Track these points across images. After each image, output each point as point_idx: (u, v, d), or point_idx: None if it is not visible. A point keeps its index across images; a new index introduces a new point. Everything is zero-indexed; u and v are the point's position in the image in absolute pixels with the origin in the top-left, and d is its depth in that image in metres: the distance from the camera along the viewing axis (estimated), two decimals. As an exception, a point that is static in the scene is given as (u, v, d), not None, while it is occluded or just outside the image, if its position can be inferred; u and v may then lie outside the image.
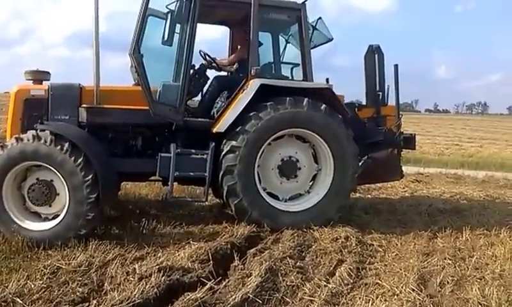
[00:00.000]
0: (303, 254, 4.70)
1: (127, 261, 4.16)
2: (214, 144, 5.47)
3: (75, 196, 4.65)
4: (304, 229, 5.42)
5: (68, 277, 3.73)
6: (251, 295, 3.53)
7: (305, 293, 3.73)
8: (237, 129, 5.44)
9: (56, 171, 4.69)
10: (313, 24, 6.41)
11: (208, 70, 6.20)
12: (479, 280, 4.17)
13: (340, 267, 4.33)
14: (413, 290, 3.78)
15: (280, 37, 6.56)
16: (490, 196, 8.95)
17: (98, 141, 5.21)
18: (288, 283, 3.88)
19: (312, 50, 6.01)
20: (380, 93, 6.61)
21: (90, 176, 4.63)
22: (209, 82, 6.16)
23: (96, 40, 5.18)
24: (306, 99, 5.54)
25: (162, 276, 3.67)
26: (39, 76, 5.62)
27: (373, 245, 5.20)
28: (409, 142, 6.61)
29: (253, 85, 5.49)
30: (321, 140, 5.67)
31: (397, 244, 5.33)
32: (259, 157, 5.55)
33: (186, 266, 4.03)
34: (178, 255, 4.34)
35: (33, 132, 4.73)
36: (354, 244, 4.99)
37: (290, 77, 6.27)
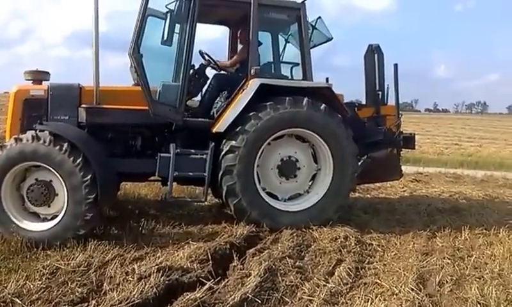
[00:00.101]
0: (302, 254, 4.71)
1: (126, 261, 4.16)
2: (213, 144, 5.46)
3: (74, 197, 4.65)
4: (304, 229, 5.42)
5: (67, 278, 3.73)
6: (250, 295, 3.53)
7: (304, 292, 3.74)
8: (237, 129, 5.44)
9: (54, 172, 4.69)
10: (313, 24, 6.41)
11: (207, 70, 6.20)
12: (477, 279, 4.17)
13: (339, 267, 4.33)
14: (412, 290, 3.79)
15: (280, 36, 6.56)
16: (489, 195, 8.96)
17: (98, 141, 5.20)
18: (287, 283, 3.89)
19: (311, 50, 6.01)
20: (380, 93, 6.62)
21: (89, 177, 4.62)
22: (208, 81, 6.15)
23: (96, 40, 5.17)
24: (305, 99, 5.54)
25: (162, 276, 3.67)
26: (38, 76, 5.61)
27: (372, 244, 5.20)
28: (409, 141, 6.63)
29: (253, 85, 5.49)
30: (321, 140, 5.67)
31: (396, 244, 5.33)
32: (259, 157, 5.55)
33: (185, 266, 4.03)
34: (178, 255, 4.34)
35: (32, 132, 4.73)
36: (353, 244, 5.00)
37: (289, 77, 6.26)
